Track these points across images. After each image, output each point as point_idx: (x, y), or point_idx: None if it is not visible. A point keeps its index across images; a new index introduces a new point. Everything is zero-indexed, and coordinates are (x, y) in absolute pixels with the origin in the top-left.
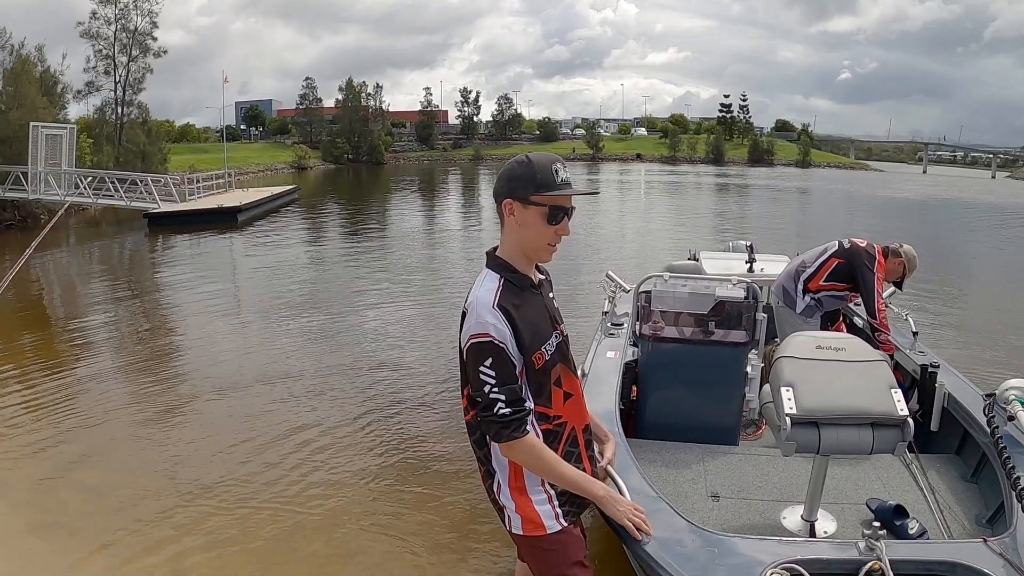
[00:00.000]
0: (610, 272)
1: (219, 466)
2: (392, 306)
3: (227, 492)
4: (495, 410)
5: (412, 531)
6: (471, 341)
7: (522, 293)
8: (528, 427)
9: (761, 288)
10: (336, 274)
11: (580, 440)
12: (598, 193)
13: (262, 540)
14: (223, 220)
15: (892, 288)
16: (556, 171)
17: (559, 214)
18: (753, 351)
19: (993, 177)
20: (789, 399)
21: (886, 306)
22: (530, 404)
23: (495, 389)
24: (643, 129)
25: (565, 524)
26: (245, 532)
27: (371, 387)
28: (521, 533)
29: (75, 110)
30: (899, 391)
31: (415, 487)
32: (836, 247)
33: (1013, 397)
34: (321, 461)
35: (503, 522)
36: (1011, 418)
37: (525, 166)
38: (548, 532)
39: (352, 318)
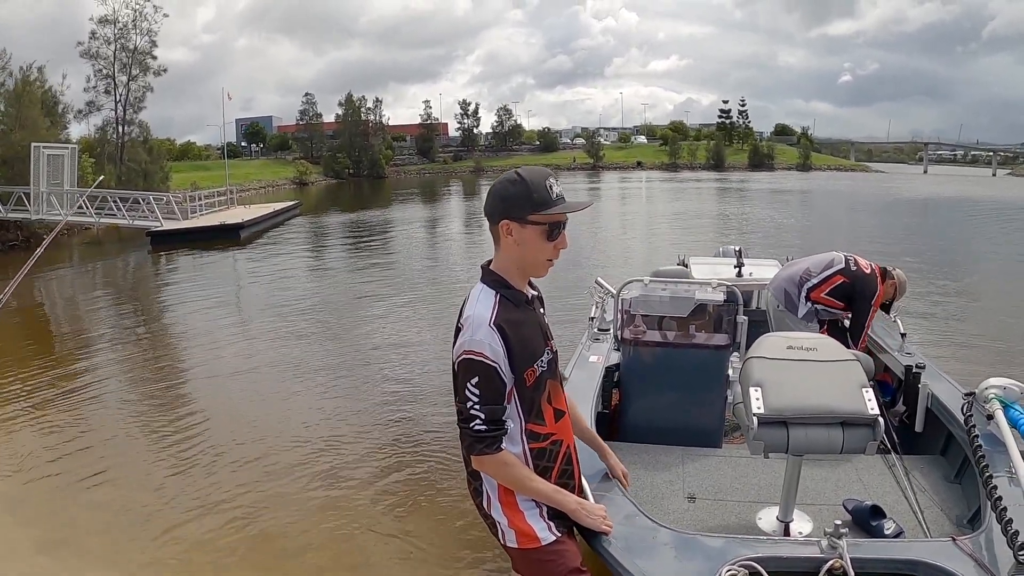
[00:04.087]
0: (599, 279)
1: (226, 482)
2: (396, 320)
3: (234, 508)
4: (471, 425)
5: (417, 543)
6: (463, 356)
7: (517, 309)
8: (501, 445)
9: (752, 293)
10: (340, 288)
11: (574, 458)
12: (593, 203)
13: (270, 555)
14: (226, 237)
15: None
16: (551, 187)
17: (558, 229)
18: (735, 354)
19: (994, 175)
20: (757, 399)
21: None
22: (510, 424)
23: (476, 406)
24: (643, 137)
25: (559, 534)
26: (253, 548)
27: (376, 400)
28: (516, 546)
29: (76, 130)
30: (870, 390)
31: (419, 498)
32: (843, 265)
33: (992, 396)
34: (327, 475)
35: (496, 536)
36: (990, 417)
37: (519, 185)
38: (543, 544)
39: (357, 331)
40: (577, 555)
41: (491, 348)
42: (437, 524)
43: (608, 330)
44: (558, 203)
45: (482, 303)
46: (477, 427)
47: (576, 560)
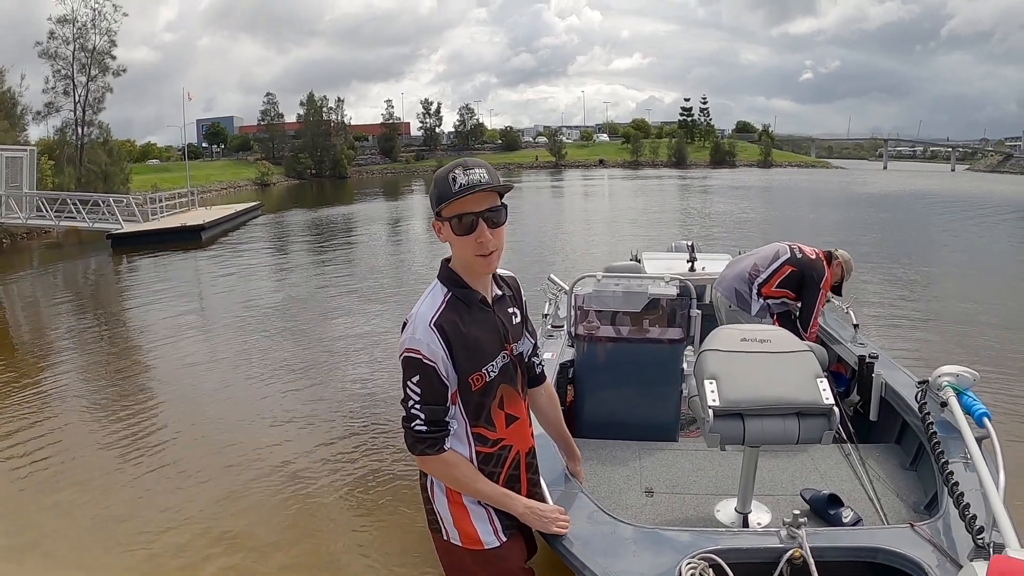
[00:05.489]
0: (552, 275)
1: (192, 482)
2: (361, 319)
3: (201, 509)
4: (412, 424)
5: (381, 536)
6: (404, 354)
7: (469, 309)
8: (445, 446)
9: (705, 287)
10: (302, 289)
11: (523, 464)
12: (511, 187)
13: (237, 556)
14: (187, 239)
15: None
16: (453, 179)
17: (469, 221)
18: (689, 348)
19: (953, 170)
20: (712, 391)
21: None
22: (454, 425)
23: (417, 405)
24: (605, 135)
25: (504, 539)
26: (219, 548)
27: (338, 395)
28: (460, 544)
29: (35, 132)
30: (825, 380)
31: (386, 498)
32: (789, 255)
33: (946, 383)
34: (293, 475)
35: (440, 532)
36: (944, 404)
37: (433, 183)
38: (485, 548)
39: (322, 332)
40: (521, 555)
41: (428, 348)
42: (401, 516)
43: (562, 326)
44: (458, 194)
45: (428, 301)
46: (418, 427)
47: (520, 561)
